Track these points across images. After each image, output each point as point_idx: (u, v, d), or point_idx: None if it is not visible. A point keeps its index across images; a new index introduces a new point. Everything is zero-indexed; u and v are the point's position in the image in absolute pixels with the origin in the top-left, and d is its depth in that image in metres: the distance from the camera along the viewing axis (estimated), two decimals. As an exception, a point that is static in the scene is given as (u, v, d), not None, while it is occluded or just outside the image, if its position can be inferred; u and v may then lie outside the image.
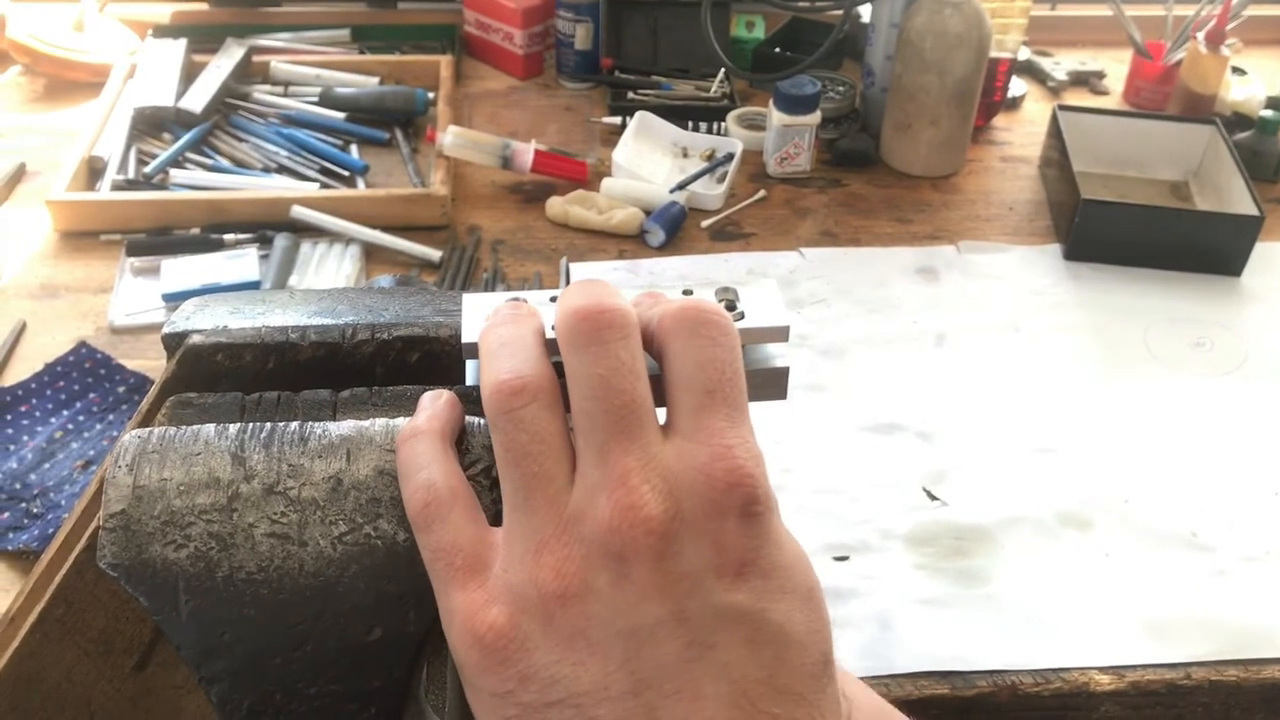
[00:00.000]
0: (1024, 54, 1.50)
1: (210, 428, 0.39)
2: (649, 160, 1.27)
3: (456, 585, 0.34)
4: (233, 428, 0.39)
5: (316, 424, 0.40)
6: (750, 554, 0.32)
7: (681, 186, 1.21)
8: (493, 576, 0.33)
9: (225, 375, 0.44)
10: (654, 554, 0.31)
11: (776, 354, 0.44)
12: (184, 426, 0.39)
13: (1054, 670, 0.77)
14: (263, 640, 0.37)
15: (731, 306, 0.43)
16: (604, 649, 0.31)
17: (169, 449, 0.38)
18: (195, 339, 0.44)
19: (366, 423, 0.40)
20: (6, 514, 0.85)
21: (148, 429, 0.39)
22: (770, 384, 0.44)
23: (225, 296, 0.48)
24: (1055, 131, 1.24)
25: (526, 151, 1.22)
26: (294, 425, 0.39)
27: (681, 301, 0.36)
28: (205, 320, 0.45)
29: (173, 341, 0.44)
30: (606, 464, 0.32)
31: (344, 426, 0.39)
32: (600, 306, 0.34)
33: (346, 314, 0.46)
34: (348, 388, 0.43)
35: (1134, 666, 0.78)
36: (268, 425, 0.39)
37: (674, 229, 1.16)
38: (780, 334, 0.43)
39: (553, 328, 0.37)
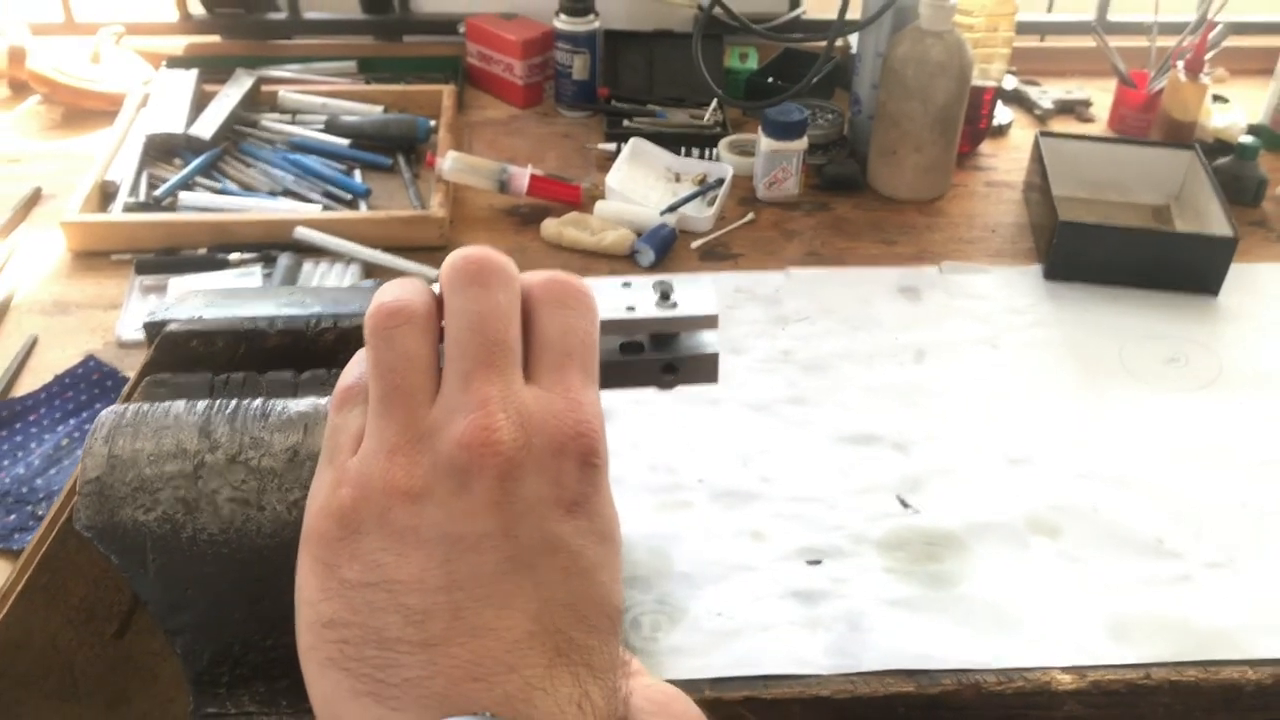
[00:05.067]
0: (1011, 83, 1.53)
1: (180, 404, 0.43)
2: (642, 185, 1.31)
3: (327, 462, 0.37)
4: (201, 404, 0.43)
5: (278, 401, 0.43)
6: (582, 497, 0.35)
7: (672, 209, 1.24)
8: (350, 463, 0.36)
9: (199, 360, 0.47)
10: (497, 474, 0.34)
11: (709, 341, 0.47)
12: (157, 403, 0.43)
13: (1017, 670, 0.80)
14: (223, 596, 0.41)
15: (666, 296, 0.46)
16: (429, 547, 0.33)
17: (142, 423, 0.42)
18: (172, 326, 0.47)
19: (324, 400, 0.43)
20: (13, 516, 0.89)
21: (124, 405, 0.43)
22: (702, 368, 0.47)
23: (205, 291, 0.51)
24: (1037, 157, 1.28)
25: (523, 175, 1.26)
26: (257, 402, 0.43)
27: (549, 272, 0.39)
28: (184, 311, 0.49)
29: (153, 329, 0.48)
30: (469, 389, 0.35)
31: (303, 404, 0.43)
32: (488, 255, 0.37)
33: (314, 306, 0.49)
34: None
35: (1096, 666, 0.80)
36: (234, 402, 0.43)
37: (664, 249, 1.20)
38: (711, 322, 0.46)
39: None
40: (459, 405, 0.35)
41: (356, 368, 0.38)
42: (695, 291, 0.47)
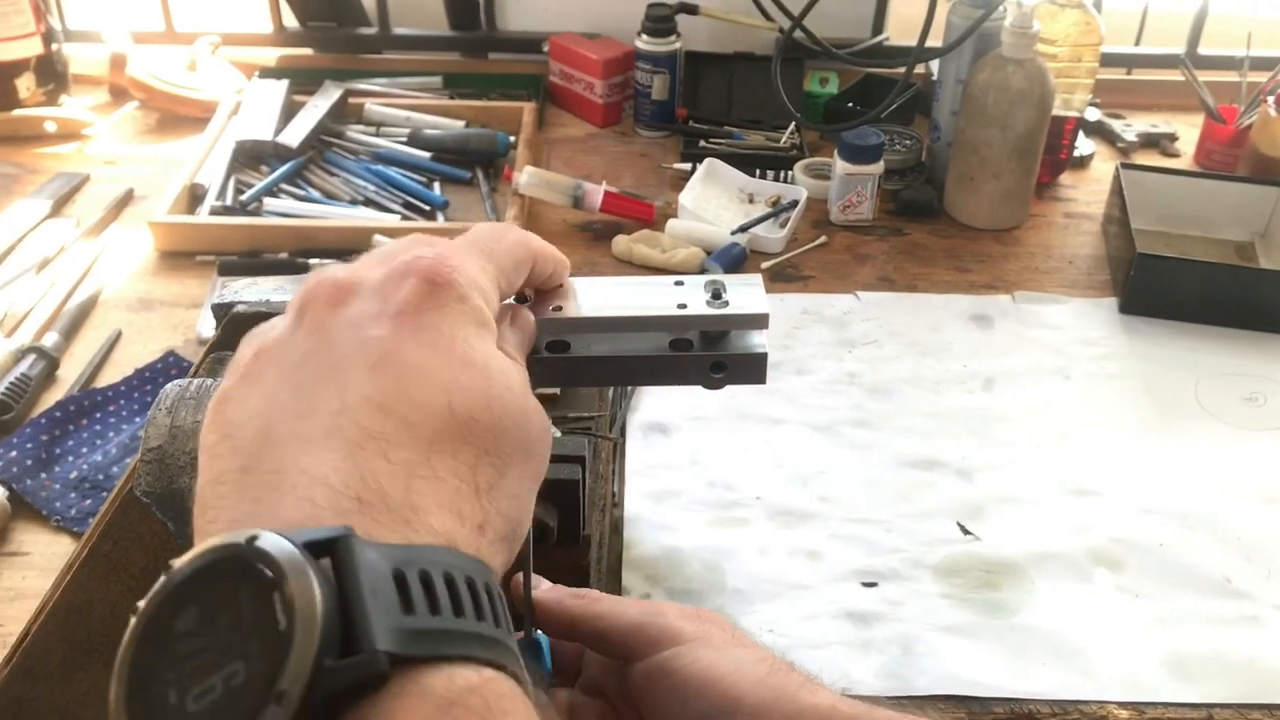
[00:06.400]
0: (1094, 115, 1.51)
1: (241, 380, 0.44)
2: (715, 204, 1.31)
3: None
4: (261, 381, 0.44)
5: (335, 381, 0.44)
6: (412, 308, 0.36)
7: (743, 229, 1.25)
8: None
9: (263, 341, 0.49)
10: (327, 302, 0.36)
11: (758, 342, 0.47)
12: (219, 378, 0.44)
13: (1072, 701, 0.78)
14: (271, 566, 0.42)
15: (718, 295, 0.47)
16: (265, 383, 0.35)
17: (204, 396, 0.44)
18: (239, 308, 0.49)
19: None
20: (88, 501, 0.92)
21: (189, 380, 0.44)
22: (751, 367, 0.47)
23: (275, 277, 0.53)
24: (1118, 189, 1.26)
25: (596, 192, 1.27)
26: (315, 381, 0.44)
27: None
28: (252, 295, 0.50)
29: (220, 311, 0.50)
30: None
31: (358, 384, 0.44)
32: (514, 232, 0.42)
33: (376, 294, 0.50)
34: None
35: (1155, 704, 0.78)
36: (292, 380, 0.44)
37: (734, 269, 1.20)
38: (761, 321, 0.47)
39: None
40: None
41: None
42: (747, 291, 0.47)
